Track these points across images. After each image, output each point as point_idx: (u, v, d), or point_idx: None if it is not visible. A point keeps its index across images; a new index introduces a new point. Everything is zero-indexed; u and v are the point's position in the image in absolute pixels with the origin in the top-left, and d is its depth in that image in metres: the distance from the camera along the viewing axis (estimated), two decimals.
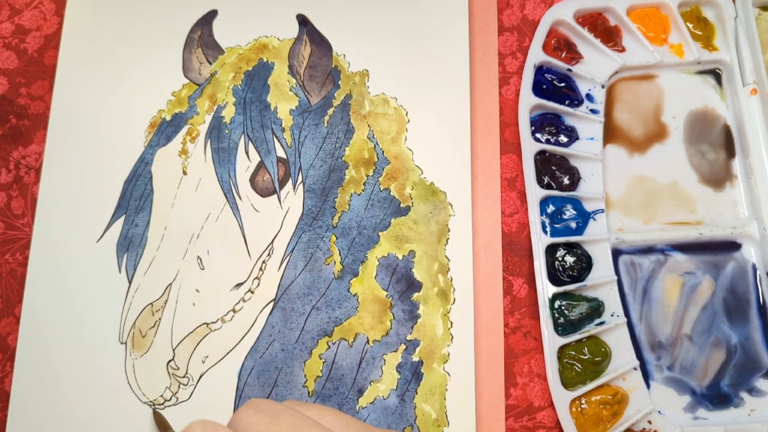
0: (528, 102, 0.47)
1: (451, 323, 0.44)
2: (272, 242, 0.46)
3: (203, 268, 0.46)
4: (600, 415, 0.42)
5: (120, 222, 0.47)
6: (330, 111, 0.48)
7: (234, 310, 0.45)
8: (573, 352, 0.43)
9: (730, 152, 0.48)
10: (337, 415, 0.25)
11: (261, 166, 0.47)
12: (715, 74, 0.49)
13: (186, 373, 0.44)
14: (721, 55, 0.48)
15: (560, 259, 0.45)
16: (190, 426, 0.24)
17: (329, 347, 0.44)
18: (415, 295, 0.45)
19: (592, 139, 0.47)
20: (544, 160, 0.47)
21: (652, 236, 0.46)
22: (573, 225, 0.46)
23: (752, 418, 0.43)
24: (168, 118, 0.49)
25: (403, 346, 0.44)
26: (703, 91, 0.49)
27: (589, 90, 0.48)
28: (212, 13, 0.51)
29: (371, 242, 0.46)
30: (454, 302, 0.44)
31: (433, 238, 0.46)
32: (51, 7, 0.52)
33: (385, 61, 0.49)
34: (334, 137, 0.48)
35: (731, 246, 0.46)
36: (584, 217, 0.46)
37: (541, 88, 0.48)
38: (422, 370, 0.43)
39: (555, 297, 0.44)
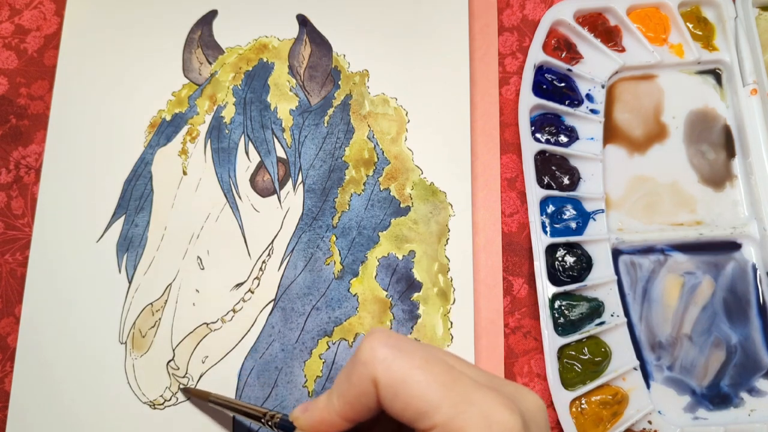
0: (528, 102, 0.47)
1: (451, 323, 0.44)
2: (272, 242, 0.46)
3: (203, 268, 0.46)
4: (600, 415, 0.42)
5: (120, 222, 0.47)
6: (330, 111, 0.48)
7: (234, 310, 0.45)
8: (573, 352, 0.43)
9: (730, 152, 0.48)
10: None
11: (261, 166, 0.47)
12: (715, 74, 0.49)
13: (186, 373, 0.44)
14: (721, 55, 0.48)
15: (560, 259, 0.45)
16: (371, 333, 0.27)
17: (329, 347, 0.44)
18: (415, 295, 0.45)
19: (592, 139, 0.47)
20: (544, 160, 0.47)
21: (652, 236, 0.46)
22: (573, 225, 0.46)
23: (752, 418, 0.43)
24: (168, 118, 0.49)
25: None
26: (703, 91, 0.49)
27: (589, 90, 0.48)
28: (212, 13, 0.51)
29: (371, 242, 0.46)
30: (454, 302, 0.44)
31: (433, 238, 0.45)
32: (51, 7, 0.52)
33: (385, 61, 0.49)
34: (334, 137, 0.48)
35: (731, 246, 0.46)
36: (584, 217, 0.46)
37: (541, 88, 0.48)
38: None
39: (555, 297, 0.44)
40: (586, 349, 0.43)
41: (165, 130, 0.48)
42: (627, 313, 0.45)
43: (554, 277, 0.45)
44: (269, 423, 0.34)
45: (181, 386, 0.43)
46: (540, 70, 0.48)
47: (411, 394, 0.25)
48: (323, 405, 0.28)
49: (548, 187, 0.46)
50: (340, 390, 0.28)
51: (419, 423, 0.25)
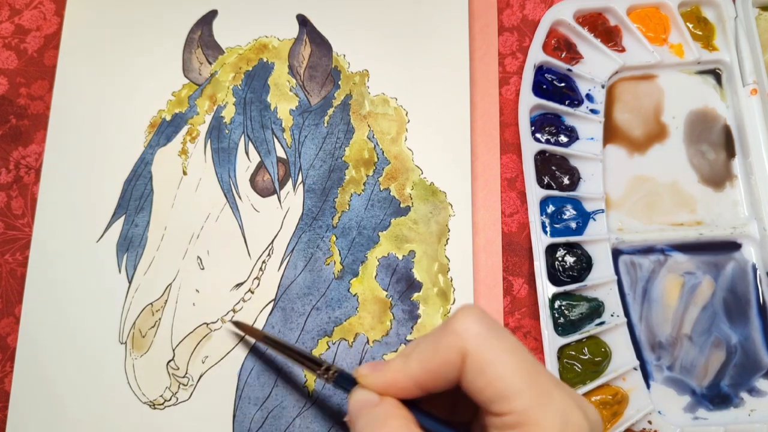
0: (528, 102, 0.47)
1: None
2: (272, 242, 0.46)
3: (203, 268, 0.46)
4: (600, 416, 0.42)
5: (120, 222, 0.47)
6: (330, 111, 0.48)
7: (234, 310, 0.45)
8: (573, 353, 0.43)
9: (730, 152, 0.48)
10: None
11: (261, 166, 0.47)
12: (715, 74, 0.49)
13: (186, 373, 0.44)
14: (721, 55, 0.48)
15: (560, 259, 0.45)
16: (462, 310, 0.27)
17: (329, 347, 0.44)
18: (415, 295, 0.45)
19: (592, 139, 0.47)
20: (544, 160, 0.47)
21: (652, 236, 0.46)
22: (573, 225, 0.46)
23: (752, 419, 0.43)
24: (168, 118, 0.49)
25: (403, 347, 0.44)
26: (703, 91, 0.49)
27: (589, 90, 0.48)
28: (212, 13, 0.51)
29: (371, 242, 0.46)
30: (454, 302, 0.44)
31: (433, 238, 0.45)
32: (51, 7, 0.52)
33: (385, 61, 0.49)
34: (334, 137, 0.48)
35: (731, 246, 0.46)
36: (584, 217, 0.46)
37: (541, 88, 0.48)
38: None
39: (555, 297, 0.44)
40: (586, 349, 0.43)
41: (165, 130, 0.48)
42: (627, 313, 0.45)
43: (554, 277, 0.45)
44: (324, 376, 0.32)
45: (232, 319, 0.43)
46: (540, 70, 0.48)
47: (497, 374, 0.25)
48: (398, 367, 0.28)
49: (548, 187, 0.46)
50: (423, 356, 0.27)
51: (496, 405, 0.25)
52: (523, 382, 0.25)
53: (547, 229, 0.46)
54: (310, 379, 0.44)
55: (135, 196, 0.47)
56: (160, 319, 0.45)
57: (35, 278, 0.46)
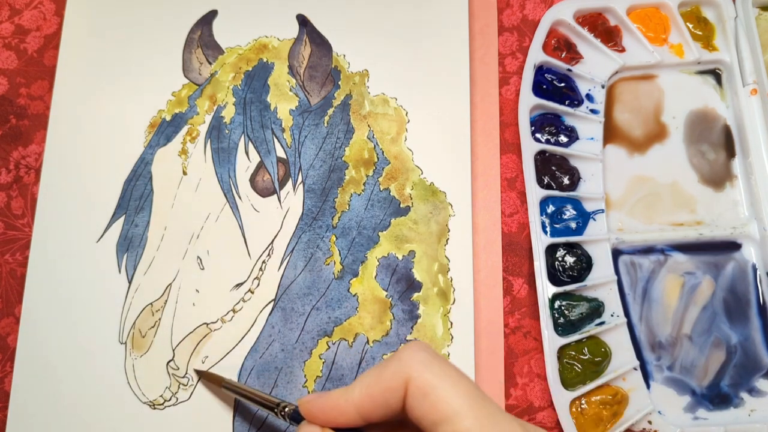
0: (528, 102, 0.47)
1: (451, 323, 0.44)
2: (272, 242, 0.46)
3: (203, 268, 0.46)
4: (600, 416, 0.42)
5: (120, 222, 0.47)
6: (330, 111, 0.48)
7: (234, 310, 0.45)
8: (573, 352, 0.43)
9: (730, 152, 0.48)
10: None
11: (261, 166, 0.47)
12: (715, 74, 0.49)
13: (186, 373, 0.44)
14: (721, 55, 0.48)
15: (560, 259, 0.45)
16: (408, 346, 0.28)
17: (329, 347, 0.44)
18: (415, 295, 0.45)
19: (592, 139, 0.47)
20: (544, 160, 0.47)
21: (652, 236, 0.46)
22: (573, 225, 0.46)
23: (752, 419, 0.43)
24: (168, 118, 0.49)
25: (403, 347, 0.44)
26: (703, 91, 0.49)
27: (589, 90, 0.48)
28: (212, 13, 0.51)
29: (371, 242, 0.46)
30: (454, 302, 0.44)
31: (433, 238, 0.45)
32: (51, 7, 0.52)
33: (385, 61, 0.49)
34: (334, 137, 0.48)
35: (731, 246, 0.46)
36: (584, 217, 0.46)
37: (541, 88, 0.48)
38: None
39: (555, 297, 0.44)
40: (586, 349, 0.43)
41: (165, 130, 0.48)
42: (627, 313, 0.45)
43: (554, 277, 0.45)
44: (282, 413, 0.33)
45: (195, 369, 0.43)
46: (540, 70, 0.48)
47: (440, 397, 0.26)
48: (338, 394, 0.28)
49: (548, 187, 0.46)
50: (366, 382, 0.28)
51: (440, 427, 0.26)
52: (467, 405, 0.25)
53: (547, 229, 0.46)
54: (310, 379, 0.44)
55: (135, 196, 0.47)
56: (160, 319, 0.45)
57: (35, 278, 0.46)
